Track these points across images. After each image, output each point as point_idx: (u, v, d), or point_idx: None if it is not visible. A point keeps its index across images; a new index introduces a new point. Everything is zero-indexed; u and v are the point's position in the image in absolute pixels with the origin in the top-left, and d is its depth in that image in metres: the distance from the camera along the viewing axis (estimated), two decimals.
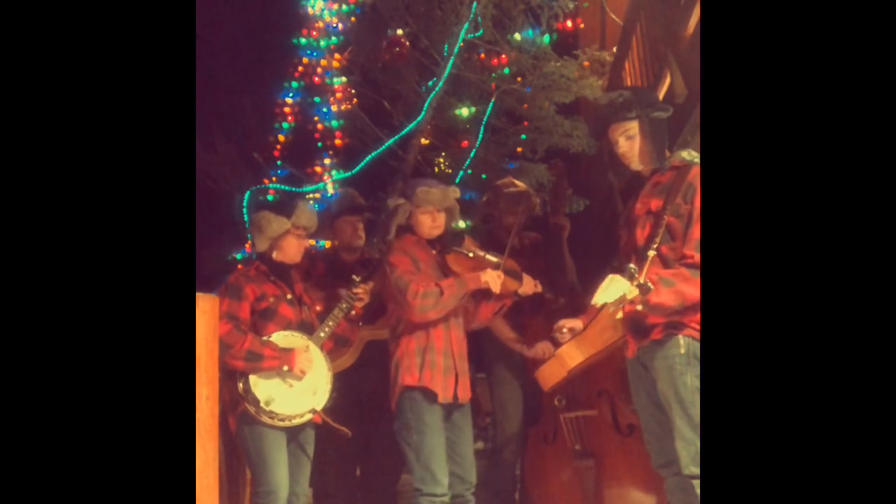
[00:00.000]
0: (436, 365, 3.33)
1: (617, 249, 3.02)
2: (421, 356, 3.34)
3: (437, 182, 3.59)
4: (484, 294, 3.43)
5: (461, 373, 3.40)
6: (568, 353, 2.94)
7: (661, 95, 5.70)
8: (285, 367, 3.27)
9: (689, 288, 2.62)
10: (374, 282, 3.58)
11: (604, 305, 2.68)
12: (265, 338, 3.30)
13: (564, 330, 3.02)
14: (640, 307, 2.66)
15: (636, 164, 2.95)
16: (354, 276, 3.56)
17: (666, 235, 2.78)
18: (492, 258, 3.48)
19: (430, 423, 3.31)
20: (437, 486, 3.26)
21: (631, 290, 2.60)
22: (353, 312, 3.58)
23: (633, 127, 2.90)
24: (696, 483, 2.64)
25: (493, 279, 3.35)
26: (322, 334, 3.42)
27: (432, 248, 3.53)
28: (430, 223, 3.48)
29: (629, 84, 6.55)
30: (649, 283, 2.60)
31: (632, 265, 2.64)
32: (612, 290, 2.65)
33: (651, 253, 2.71)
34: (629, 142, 2.92)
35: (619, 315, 2.74)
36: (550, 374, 3.03)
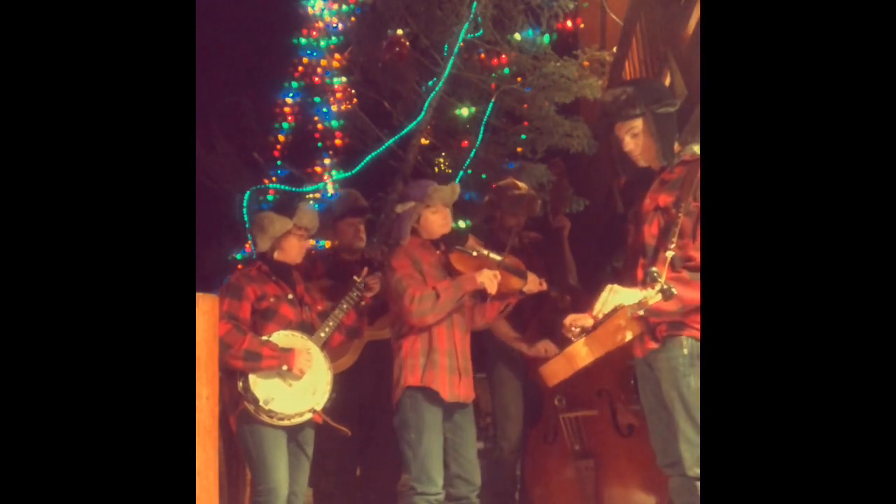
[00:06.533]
0: (439, 365, 3.32)
1: (623, 246, 2.96)
2: (425, 356, 3.33)
3: (436, 181, 3.59)
4: (483, 293, 3.43)
5: (464, 372, 3.40)
6: (577, 353, 2.87)
7: None
8: (284, 367, 3.27)
9: (689, 292, 2.57)
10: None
11: (618, 308, 2.64)
12: (265, 337, 3.30)
13: (575, 328, 2.92)
14: (641, 312, 2.63)
15: (643, 162, 2.86)
16: (356, 278, 3.55)
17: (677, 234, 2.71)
18: (495, 257, 3.47)
19: (429, 422, 3.31)
20: (431, 485, 3.27)
21: (653, 296, 2.54)
22: (363, 303, 3.57)
23: (638, 125, 2.80)
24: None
25: (488, 279, 3.34)
26: (322, 334, 3.42)
27: (436, 249, 3.52)
28: (441, 221, 3.49)
29: None
30: (673, 289, 2.53)
31: (654, 269, 2.57)
32: (612, 300, 2.63)
33: (669, 254, 2.63)
34: (635, 139, 2.82)
35: (641, 312, 2.65)
36: (555, 372, 2.97)
